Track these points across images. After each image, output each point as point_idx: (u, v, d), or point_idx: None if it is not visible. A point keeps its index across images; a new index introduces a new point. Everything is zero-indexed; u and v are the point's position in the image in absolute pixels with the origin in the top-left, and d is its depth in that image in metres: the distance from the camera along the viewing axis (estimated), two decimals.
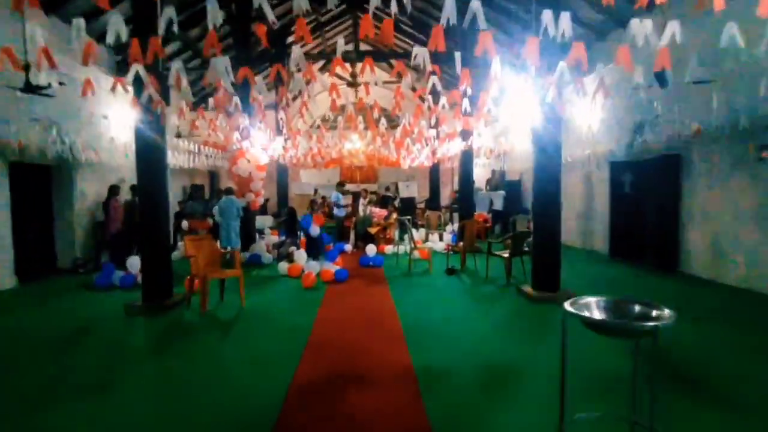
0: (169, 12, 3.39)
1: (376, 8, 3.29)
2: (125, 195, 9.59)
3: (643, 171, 9.19)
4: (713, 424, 3.03)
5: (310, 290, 7.12)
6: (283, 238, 10.20)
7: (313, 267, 8.11)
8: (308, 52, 13.39)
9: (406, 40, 15.08)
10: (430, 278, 7.99)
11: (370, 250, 9.47)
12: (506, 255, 7.50)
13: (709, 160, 7.39)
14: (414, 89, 5.72)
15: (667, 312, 2.24)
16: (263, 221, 14.89)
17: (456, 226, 13.43)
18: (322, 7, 9.65)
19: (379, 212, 12.00)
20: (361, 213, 11.67)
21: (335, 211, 11.87)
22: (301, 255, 8.70)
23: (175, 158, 11.25)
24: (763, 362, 4.10)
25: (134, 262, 7.72)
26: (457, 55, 3.96)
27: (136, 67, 3.82)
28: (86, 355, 4.47)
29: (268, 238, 12.16)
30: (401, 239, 11.67)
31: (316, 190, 18.78)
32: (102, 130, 9.04)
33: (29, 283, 7.65)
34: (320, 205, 9.76)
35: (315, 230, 8.92)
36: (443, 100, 5.20)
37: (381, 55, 14.30)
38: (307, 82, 4.38)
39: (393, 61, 13.13)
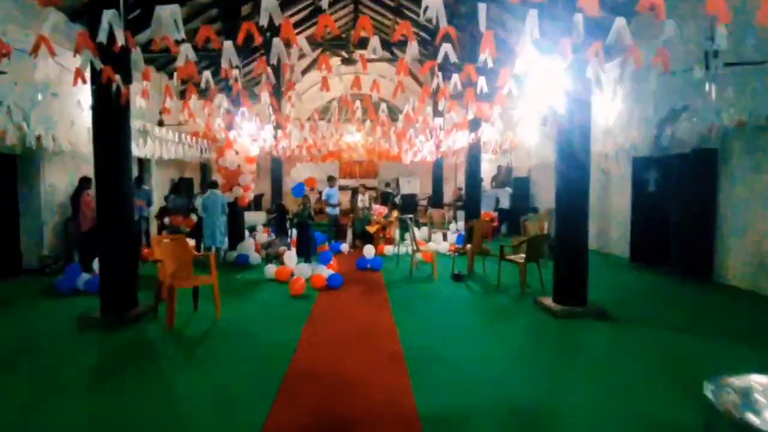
0: None
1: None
2: None
3: (671, 167, 8.30)
4: None
5: (299, 298, 6.27)
6: (273, 237, 9.32)
7: (303, 271, 7.25)
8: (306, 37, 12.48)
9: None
10: (435, 285, 7.12)
11: (368, 251, 8.60)
12: (521, 260, 6.64)
13: (753, 156, 6.50)
14: (421, 61, 4.83)
15: None
16: (256, 218, 14.03)
17: (460, 224, 12.58)
18: None
19: (378, 210, 11.13)
20: (360, 209, 10.79)
21: (328, 209, 10.98)
22: (290, 257, 7.84)
23: (158, 149, 10.39)
24: None
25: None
26: (482, 6, 3.03)
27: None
28: (5, 386, 3.60)
29: (260, 237, 11.34)
30: (402, 239, 10.82)
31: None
32: (76, 116, 8.14)
33: None
34: (306, 202, 8.84)
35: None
36: (455, 78, 4.32)
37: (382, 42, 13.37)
38: (287, 44, 3.52)
39: (397, 21, 12.09)
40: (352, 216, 11.20)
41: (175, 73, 3.99)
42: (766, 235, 6.27)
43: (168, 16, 2.82)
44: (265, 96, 5.62)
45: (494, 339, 4.65)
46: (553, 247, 9.29)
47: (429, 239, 10.92)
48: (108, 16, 2.97)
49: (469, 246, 7.98)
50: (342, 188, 16.21)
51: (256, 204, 16.01)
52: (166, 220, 9.89)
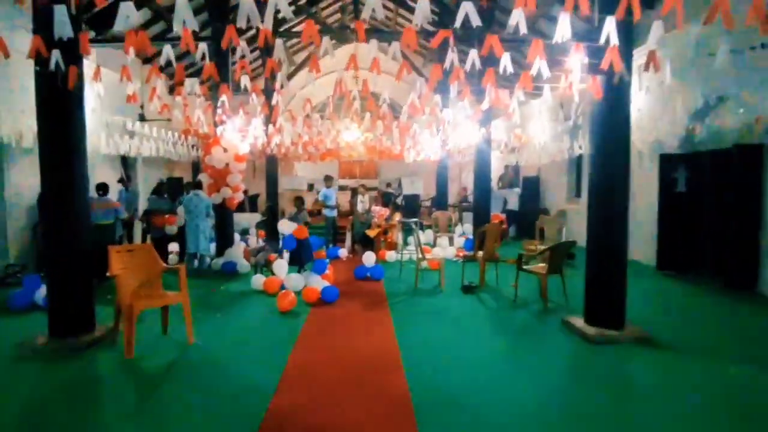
0: None
1: None
2: None
3: (705, 165, 7.46)
4: None
5: (287, 316, 5.44)
6: (262, 243, 8.48)
7: (294, 283, 6.41)
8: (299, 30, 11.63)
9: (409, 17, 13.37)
10: (443, 298, 6.27)
11: (368, 258, 7.76)
12: (542, 271, 5.80)
13: None
14: (432, 33, 3.98)
15: None
16: (250, 220, 13.19)
17: (467, 227, 11.72)
18: None
19: (379, 211, 10.28)
20: (360, 211, 9.94)
21: (325, 211, 10.12)
22: (281, 265, 7.00)
23: (139, 146, 9.58)
24: None
25: None
26: None
27: None
28: None
29: (252, 241, 10.51)
30: (405, 244, 9.98)
31: (311, 186, 17.04)
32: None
33: None
34: (299, 205, 8.03)
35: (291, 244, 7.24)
36: (473, 54, 3.45)
37: (385, 34, 12.52)
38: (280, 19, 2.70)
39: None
40: (351, 218, 10.36)
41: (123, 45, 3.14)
42: None
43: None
44: (245, 80, 4.78)
45: (520, 374, 3.80)
46: (571, 255, 8.48)
47: (434, 244, 10.08)
48: None
49: (480, 253, 7.13)
50: (341, 188, 15.38)
51: (252, 205, 15.21)
52: (144, 225, 9.09)
